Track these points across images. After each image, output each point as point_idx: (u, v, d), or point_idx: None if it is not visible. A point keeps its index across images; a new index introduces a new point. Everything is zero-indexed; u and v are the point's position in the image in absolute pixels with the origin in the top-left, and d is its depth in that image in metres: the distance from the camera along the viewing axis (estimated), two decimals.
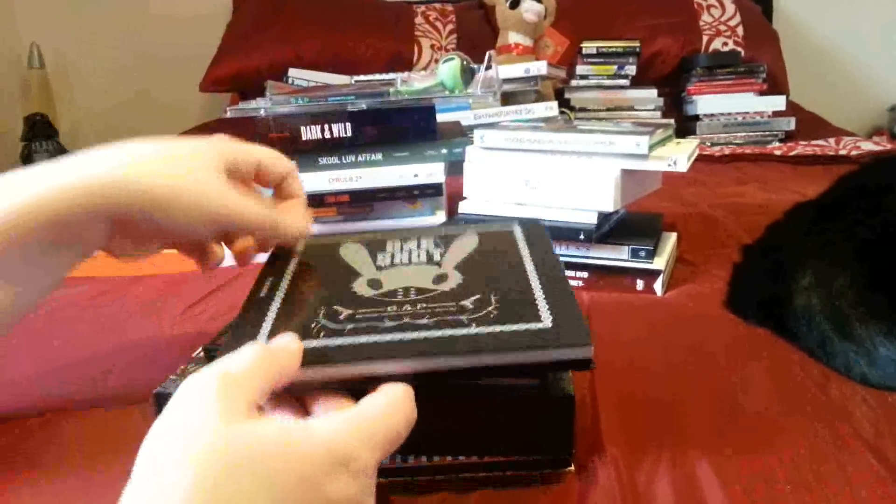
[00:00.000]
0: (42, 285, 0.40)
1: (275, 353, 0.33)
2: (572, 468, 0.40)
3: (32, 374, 0.53)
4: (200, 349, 0.46)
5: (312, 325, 0.38)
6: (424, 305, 0.39)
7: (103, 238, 0.40)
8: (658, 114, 1.86)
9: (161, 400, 0.40)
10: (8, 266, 0.36)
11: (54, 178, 0.37)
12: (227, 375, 0.30)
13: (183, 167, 0.41)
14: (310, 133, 0.79)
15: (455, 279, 0.42)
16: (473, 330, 0.36)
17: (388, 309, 0.39)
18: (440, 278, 0.43)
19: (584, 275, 0.71)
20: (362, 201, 0.82)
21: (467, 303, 0.39)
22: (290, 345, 0.34)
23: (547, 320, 0.37)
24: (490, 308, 0.38)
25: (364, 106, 0.80)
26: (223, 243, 0.46)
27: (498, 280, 0.42)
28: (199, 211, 0.41)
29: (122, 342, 0.58)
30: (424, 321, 0.37)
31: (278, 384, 0.32)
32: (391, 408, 0.32)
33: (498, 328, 0.37)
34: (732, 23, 2.03)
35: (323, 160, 0.81)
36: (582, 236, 0.68)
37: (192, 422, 0.28)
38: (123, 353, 0.56)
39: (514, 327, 0.37)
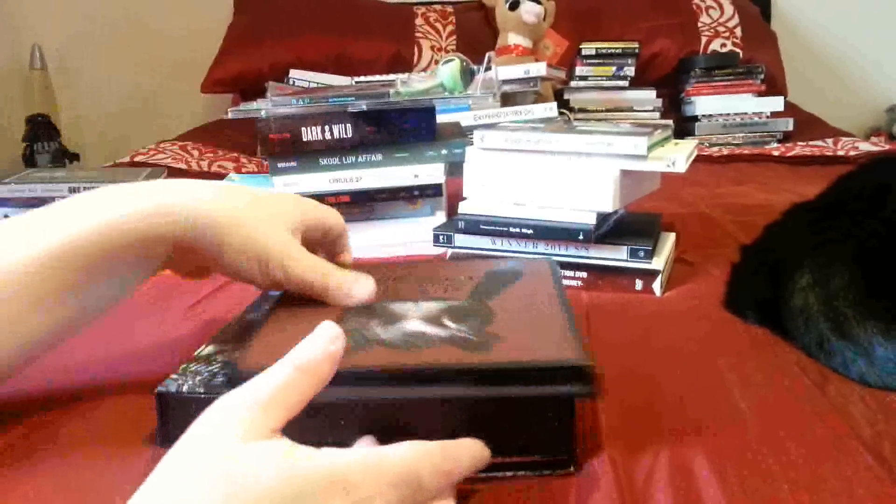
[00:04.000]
0: (109, 296, 0.45)
1: (307, 370, 0.32)
2: (572, 469, 0.40)
3: (35, 373, 0.53)
4: (203, 347, 0.46)
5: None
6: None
7: (164, 258, 0.45)
8: (657, 115, 1.86)
9: (162, 399, 0.40)
10: (77, 283, 0.41)
11: (126, 205, 0.42)
12: (255, 397, 0.30)
13: (262, 210, 0.46)
14: (311, 134, 0.80)
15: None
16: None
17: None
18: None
19: (583, 275, 0.71)
20: (363, 202, 0.82)
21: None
22: (324, 359, 0.33)
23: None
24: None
25: (364, 107, 0.80)
26: None
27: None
28: (254, 250, 0.44)
29: (124, 342, 0.59)
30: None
31: (306, 400, 0.32)
32: (416, 453, 0.32)
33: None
34: (731, 24, 2.04)
35: (324, 161, 0.81)
36: (581, 236, 0.68)
37: (209, 442, 0.29)
38: (125, 353, 0.57)
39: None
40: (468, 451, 0.35)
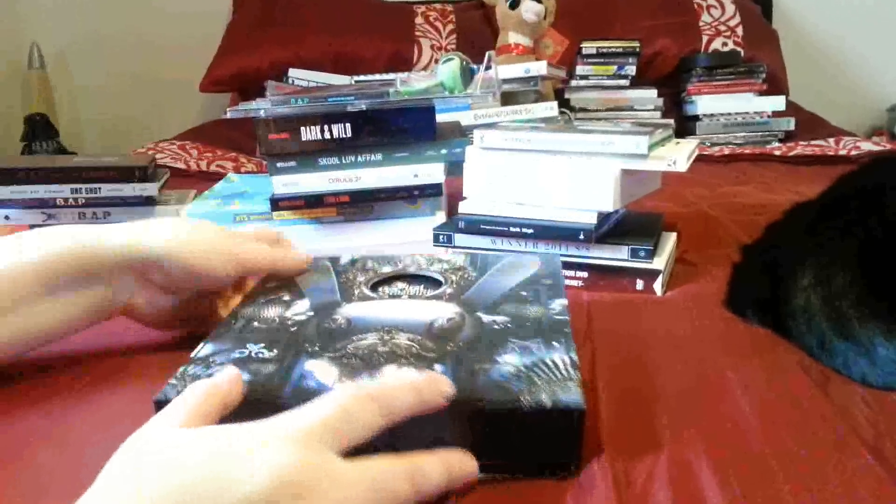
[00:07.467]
0: (75, 311, 0.52)
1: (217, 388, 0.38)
2: (572, 469, 0.39)
3: (35, 375, 0.53)
4: (200, 347, 0.46)
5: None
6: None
7: (129, 287, 0.53)
8: (658, 114, 1.86)
9: (161, 407, 0.40)
10: (54, 286, 0.50)
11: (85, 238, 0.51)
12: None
13: (195, 232, 0.54)
14: (310, 133, 0.79)
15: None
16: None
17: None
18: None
19: (584, 275, 0.71)
20: (362, 202, 0.82)
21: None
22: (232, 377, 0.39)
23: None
24: None
25: (364, 106, 0.80)
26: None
27: None
28: (217, 254, 0.53)
29: (125, 338, 0.58)
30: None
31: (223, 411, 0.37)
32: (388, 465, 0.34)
33: None
34: (732, 23, 2.03)
35: (323, 161, 0.81)
36: (582, 236, 0.68)
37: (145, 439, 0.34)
38: (124, 359, 0.56)
39: None
40: (441, 466, 0.35)
